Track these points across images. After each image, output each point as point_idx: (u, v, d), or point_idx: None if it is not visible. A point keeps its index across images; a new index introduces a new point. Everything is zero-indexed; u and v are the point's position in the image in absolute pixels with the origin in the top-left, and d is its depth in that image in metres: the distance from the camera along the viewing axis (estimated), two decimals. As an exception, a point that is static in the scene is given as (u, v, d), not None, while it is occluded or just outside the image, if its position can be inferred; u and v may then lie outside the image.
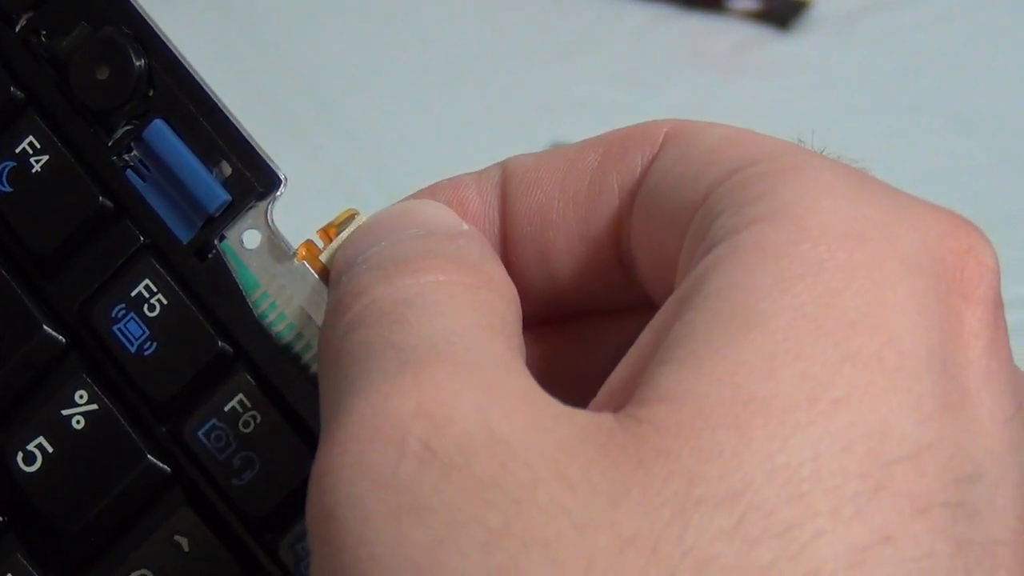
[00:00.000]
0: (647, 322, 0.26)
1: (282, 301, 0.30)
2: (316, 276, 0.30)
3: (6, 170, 0.32)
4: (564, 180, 0.30)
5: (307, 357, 0.30)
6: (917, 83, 0.78)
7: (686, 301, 0.24)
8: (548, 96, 0.78)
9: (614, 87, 0.78)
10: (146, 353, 0.31)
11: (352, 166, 0.74)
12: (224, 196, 0.31)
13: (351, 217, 0.30)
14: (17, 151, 0.32)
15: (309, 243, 0.30)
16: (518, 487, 0.22)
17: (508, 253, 0.30)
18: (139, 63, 0.31)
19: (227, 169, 0.31)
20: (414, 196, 0.31)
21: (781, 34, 0.80)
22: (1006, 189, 0.72)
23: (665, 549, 0.22)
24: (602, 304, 0.31)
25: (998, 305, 0.25)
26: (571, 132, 0.75)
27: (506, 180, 0.30)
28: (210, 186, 0.31)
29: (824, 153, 0.27)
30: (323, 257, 0.30)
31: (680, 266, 0.26)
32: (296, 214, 0.74)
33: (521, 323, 0.27)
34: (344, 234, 0.30)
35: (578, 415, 0.24)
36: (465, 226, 0.29)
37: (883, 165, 0.78)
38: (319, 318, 0.30)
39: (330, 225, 0.30)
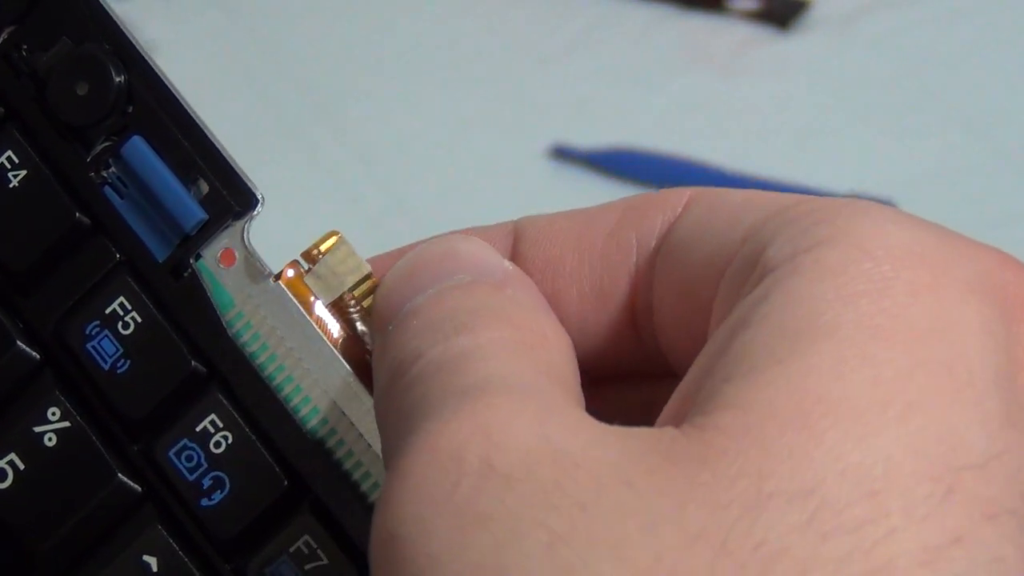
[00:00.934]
0: (653, 388, 0.26)
1: (257, 321, 0.30)
2: (303, 311, 0.30)
3: None
4: (580, 236, 0.30)
5: (295, 400, 0.30)
6: (917, 83, 0.77)
7: (743, 322, 0.24)
8: (548, 96, 0.78)
9: (614, 87, 0.78)
10: (119, 371, 0.31)
11: (352, 166, 0.74)
12: (200, 214, 0.30)
13: (335, 240, 0.30)
14: None
15: (295, 264, 0.30)
16: (582, 492, 0.23)
17: None
18: (119, 79, 0.31)
19: (204, 187, 0.31)
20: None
21: (781, 34, 0.80)
22: (1006, 189, 0.72)
23: (735, 542, 0.22)
24: (609, 365, 0.30)
25: None
26: (571, 132, 0.76)
27: (518, 235, 0.30)
28: (186, 204, 0.30)
29: None
30: (308, 280, 0.30)
31: (717, 305, 0.27)
32: (296, 214, 0.74)
33: (579, 375, 0.27)
34: (329, 258, 0.30)
35: (638, 431, 0.24)
36: (509, 265, 0.29)
37: (883, 165, 0.79)
38: (351, 411, 0.30)
39: (313, 247, 0.30)
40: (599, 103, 0.78)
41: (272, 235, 0.74)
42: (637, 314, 0.30)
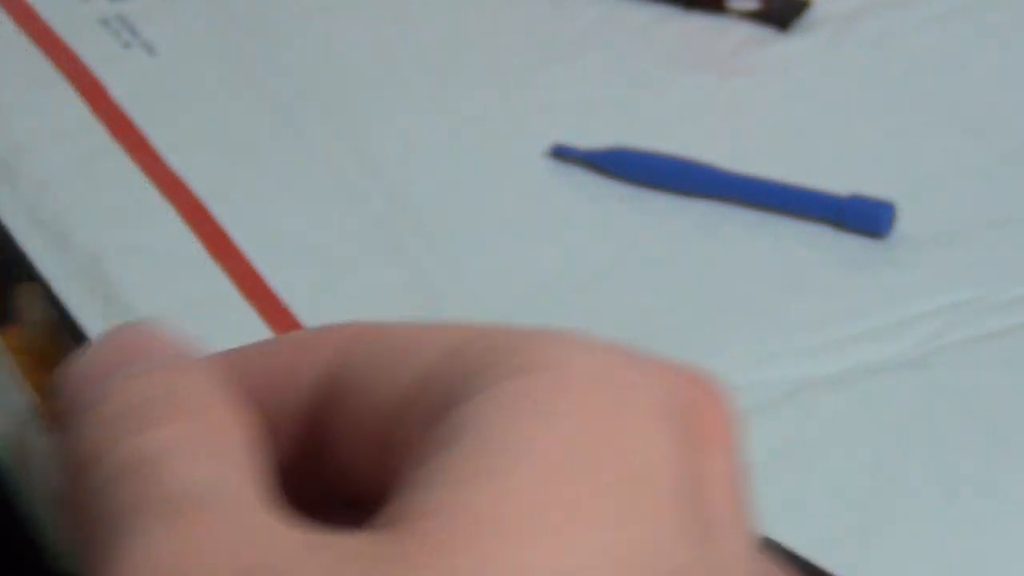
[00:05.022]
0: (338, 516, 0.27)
1: None
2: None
3: None
4: (246, 374, 0.30)
5: None
6: (917, 83, 0.78)
7: (441, 444, 0.26)
8: (548, 96, 0.78)
9: (614, 87, 0.79)
10: None
11: (352, 166, 0.74)
12: None
13: None
14: None
15: None
16: None
17: None
18: None
19: None
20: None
21: (781, 34, 0.81)
22: (1006, 189, 0.72)
23: None
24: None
25: (738, 452, 0.27)
26: (571, 132, 0.76)
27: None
28: None
29: None
30: None
31: (406, 436, 0.27)
32: (296, 214, 0.73)
33: (265, 454, 0.28)
34: None
35: (345, 537, 0.25)
36: (184, 350, 0.29)
37: (883, 165, 0.79)
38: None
39: None
40: (599, 103, 0.78)
41: (272, 235, 0.73)
42: (310, 451, 0.30)
